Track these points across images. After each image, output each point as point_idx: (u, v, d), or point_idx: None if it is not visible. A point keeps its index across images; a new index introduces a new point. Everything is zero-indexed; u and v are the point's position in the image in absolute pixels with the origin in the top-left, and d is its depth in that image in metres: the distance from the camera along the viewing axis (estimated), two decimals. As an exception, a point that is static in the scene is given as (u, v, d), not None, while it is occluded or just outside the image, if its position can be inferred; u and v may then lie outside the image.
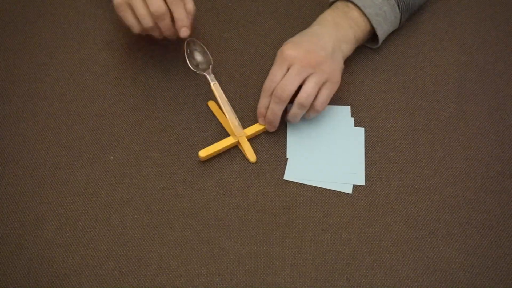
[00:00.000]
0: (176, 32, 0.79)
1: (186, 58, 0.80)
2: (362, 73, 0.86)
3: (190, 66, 0.80)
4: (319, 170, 0.77)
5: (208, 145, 0.79)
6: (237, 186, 0.76)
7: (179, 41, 0.82)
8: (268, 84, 0.78)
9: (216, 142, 0.79)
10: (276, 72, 0.77)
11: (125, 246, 0.72)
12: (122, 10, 0.79)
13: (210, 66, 0.80)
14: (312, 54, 0.77)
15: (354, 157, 0.78)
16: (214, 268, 0.70)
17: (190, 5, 0.79)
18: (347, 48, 0.81)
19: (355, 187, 0.76)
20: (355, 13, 0.82)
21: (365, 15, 0.82)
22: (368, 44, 0.88)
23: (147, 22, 0.78)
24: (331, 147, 0.79)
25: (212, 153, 0.77)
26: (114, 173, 0.77)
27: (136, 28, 0.79)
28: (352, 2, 0.82)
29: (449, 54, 0.88)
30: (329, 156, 0.78)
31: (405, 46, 0.89)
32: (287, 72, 0.77)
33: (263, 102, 0.79)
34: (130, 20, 0.79)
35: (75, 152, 0.79)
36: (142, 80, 0.86)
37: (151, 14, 0.77)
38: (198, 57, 0.81)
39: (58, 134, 0.81)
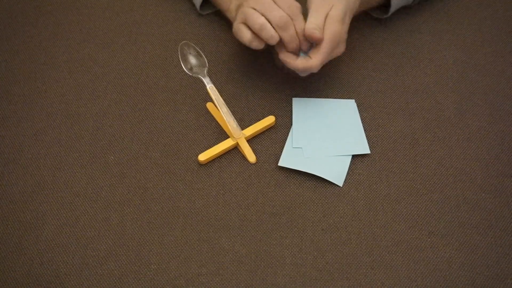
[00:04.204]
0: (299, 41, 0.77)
1: (181, 61, 0.80)
2: (362, 72, 0.86)
3: (185, 70, 0.80)
4: (320, 149, 0.78)
5: (208, 145, 0.79)
6: (237, 186, 0.76)
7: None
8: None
9: (217, 141, 0.79)
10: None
11: (125, 246, 0.72)
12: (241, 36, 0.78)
13: (206, 69, 0.80)
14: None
15: (353, 129, 0.80)
16: (214, 268, 0.70)
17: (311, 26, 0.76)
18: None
19: (355, 185, 0.76)
20: None
21: None
22: (376, 13, 0.90)
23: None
24: (331, 128, 0.80)
25: (211, 157, 0.78)
26: (114, 173, 0.77)
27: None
28: None
29: (449, 54, 0.89)
30: (330, 135, 0.79)
31: (405, 46, 0.89)
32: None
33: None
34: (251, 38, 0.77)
35: (75, 152, 0.79)
36: (142, 80, 0.86)
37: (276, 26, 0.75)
38: (193, 60, 0.81)
39: (58, 134, 0.81)
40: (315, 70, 0.77)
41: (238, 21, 0.77)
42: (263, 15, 0.74)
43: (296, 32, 0.76)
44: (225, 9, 0.85)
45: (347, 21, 0.78)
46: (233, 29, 0.78)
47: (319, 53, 0.76)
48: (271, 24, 0.75)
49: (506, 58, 0.88)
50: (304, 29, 0.75)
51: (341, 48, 0.78)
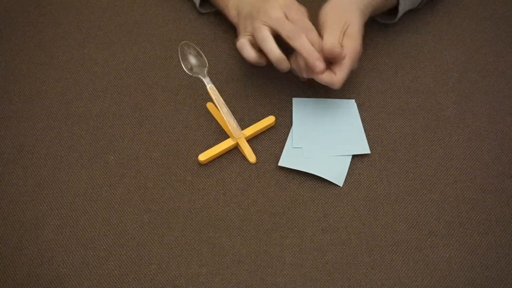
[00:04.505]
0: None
1: (181, 61, 0.80)
2: (362, 73, 0.86)
3: (185, 70, 0.79)
4: (321, 148, 0.78)
5: (208, 145, 0.79)
6: (237, 186, 0.76)
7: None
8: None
9: (217, 141, 0.79)
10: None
11: (125, 246, 0.72)
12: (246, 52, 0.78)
13: (206, 69, 0.80)
14: None
15: (353, 129, 0.80)
16: (214, 268, 0.70)
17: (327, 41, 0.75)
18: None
19: (355, 185, 0.76)
20: None
21: None
22: (383, 19, 0.90)
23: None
24: (331, 128, 0.80)
25: (211, 157, 0.78)
26: (114, 173, 0.77)
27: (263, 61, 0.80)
28: None
29: (449, 54, 0.89)
30: (330, 135, 0.80)
31: (405, 46, 0.89)
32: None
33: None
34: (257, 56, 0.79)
35: (75, 152, 0.79)
36: (142, 80, 0.86)
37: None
38: (193, 60, 0.81)
39: (58, 134, 0.81)
40: (336, 87, 0.76)
41: (248, 32, 0.78)
42: (273, 29, 0.75)
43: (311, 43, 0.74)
44: (223, 6, 0.85)
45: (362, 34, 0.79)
46: (238, 43, 0.78)
47: (341, 71, 0.76)
48: (282, 37, 0.75)
49: (506, 58, 0.88)
50: (322, 44, 0.75)
51: (357, 63, 0.79)
